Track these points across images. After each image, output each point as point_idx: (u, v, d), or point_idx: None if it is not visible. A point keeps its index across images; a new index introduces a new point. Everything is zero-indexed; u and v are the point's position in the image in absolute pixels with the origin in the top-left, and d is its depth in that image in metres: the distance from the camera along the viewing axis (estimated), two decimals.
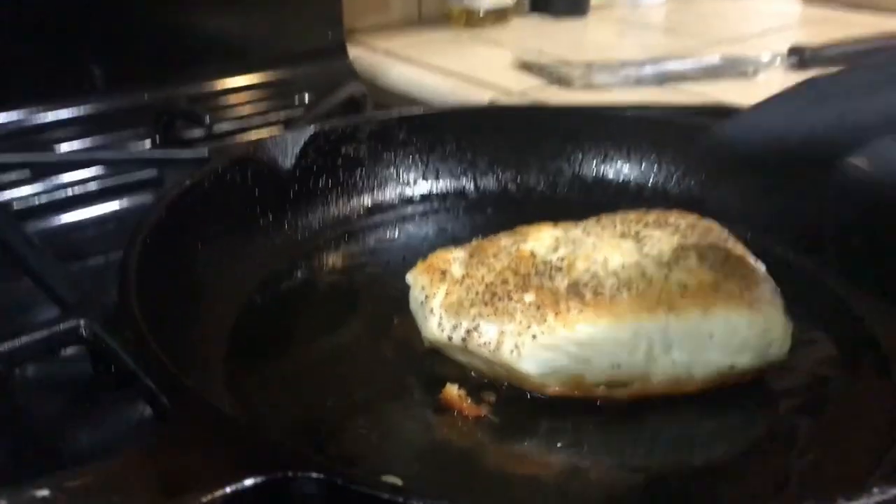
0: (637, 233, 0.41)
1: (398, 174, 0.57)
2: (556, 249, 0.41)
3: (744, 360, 0.39)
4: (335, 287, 0.49)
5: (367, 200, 0.56)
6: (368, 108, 0.81)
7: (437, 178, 0.58)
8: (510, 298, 0.38)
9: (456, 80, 0.91)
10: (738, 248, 0.42)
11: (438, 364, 0.41)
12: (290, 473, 0.26)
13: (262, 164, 0.51)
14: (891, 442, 0.36)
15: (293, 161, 0.52)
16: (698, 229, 0.42)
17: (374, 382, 0.40)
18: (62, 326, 0.44)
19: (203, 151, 0.66)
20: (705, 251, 0.40)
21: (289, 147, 0.52)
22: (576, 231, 0.42)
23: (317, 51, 0.91)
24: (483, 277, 0.40)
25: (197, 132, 0.76)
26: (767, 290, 0.40)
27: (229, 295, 0.46)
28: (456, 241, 0.54)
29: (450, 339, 0.39)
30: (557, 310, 0.37)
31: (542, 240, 0.41)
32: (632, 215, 0.44)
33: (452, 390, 0.38)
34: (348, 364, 0.41)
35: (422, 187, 0.58)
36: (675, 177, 0.57)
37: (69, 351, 0.46)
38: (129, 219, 0.65)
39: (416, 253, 0.52)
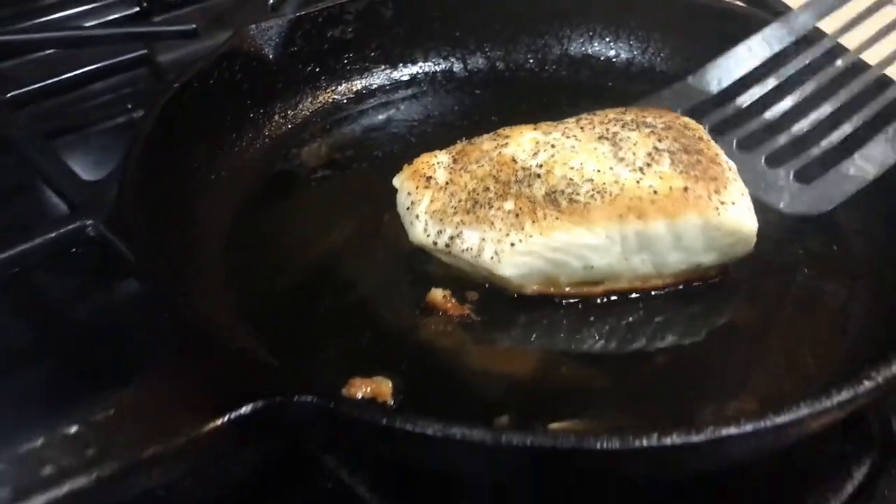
0: (615, 135, 0.42)
1: (386, 55, 0.57)
2: (535, 154, 0.42)
3: (709, 258, 0.41)
4: (326, 182, 0.50)
5: (355, 85, 0.56)
6: None
7: (425, 58, 0.58)
8: (491, 206, 0.41)
9: None
10: (711, 149, 0.43)
11: (425, 263, 0.43)
12: (285, 398, 0.29)
13: (248, 55, 0.51)
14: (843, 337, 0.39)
15: (280, 49, 0.52)
16: (674, 130, 0.43)
17: (364, 285, 0.42)
18: (69, 228, 0.46)
19: (190, 25, 0.66)
20: (678, 154, 0.41)
21: (274, 35, 0.52)
22: (556, 133, 0.43)
23: None
24: (466, 184, 0.42)
25: None
26: (735, 191, 0.41)
27: (225, 191, 0.48)
28: (445, 125, 0.56)
29: (434, 244, 0.42)
30: (534, 218, 0.40)
31: (522, 144, 0.43)
32: (611, 114, 0.45)
33: (437, 294, 0.41)
34: (340, 266, 0.44)
35: (410, 69, 0.58)
36: (661, 55, 0.57)
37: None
38: (126, 88, 0.66)
39: (404, 143, 0.54)
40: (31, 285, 0.50)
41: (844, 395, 0.29)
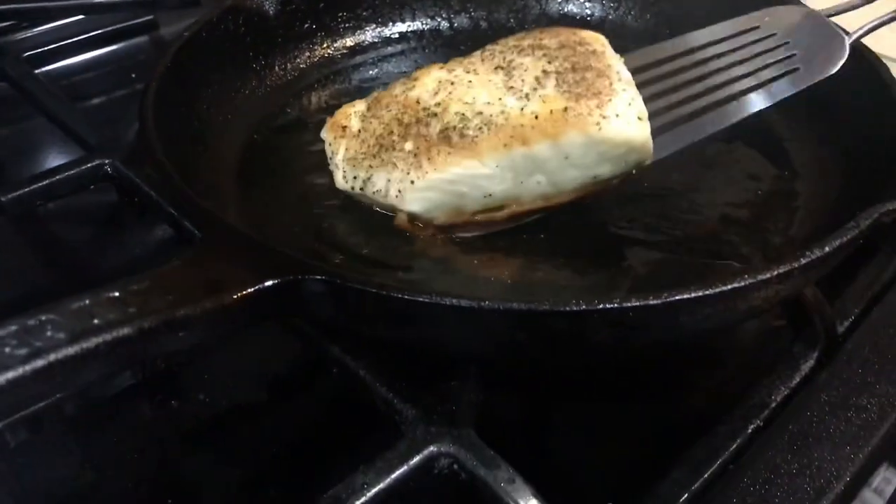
0: (510, 63, 0.45)
1: (377, 14, 0.61)
2: (436, 94, 0.45)
3: (605, 170, 0.43)
4: (321, 126, 0.55)
5: (348, 41, 0.61)
6: None
7: (413, 17, 0.62)
8: (394, 149, 0.44)
9: None
10: (602, 63, 0.44)
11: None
12: (300, 276, 0.33)
13: (250, 10, 0.55)
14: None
15: (278, 7, 0.56)
16: (567, 49, 0.44)
17: (354, 210, 0.47)
18: (89, 166, 0.50)
19: None
20: (565, 74, 0.43)
21: None
22: (459, 70, 0.46)
23: None
24: (374, 130, 0.45)
25: None
26: (621, 103, 0.42)
27: (232, 134, 0.52)
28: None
29: (352, 188, 0.46)
30: (429, 156, 0.43)
31: (426, 84, 0.45)
32: (511, 41, 0.47)
33: (402, 217, 0.45)
34: (333, 195, 0.48)
35: (399, 27, 0.62)
36: (632, 12, 0.62)
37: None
38: (131, 60, 0.69)
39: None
40: (50, 230, 0.55)
41: (782, 268, 0.34)
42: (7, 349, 0.27)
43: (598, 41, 0.45)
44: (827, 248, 0.34)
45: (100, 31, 0.67)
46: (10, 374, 0.26)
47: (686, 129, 0.46)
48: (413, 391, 0.37)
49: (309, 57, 0.59)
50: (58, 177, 0.49)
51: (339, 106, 0.57)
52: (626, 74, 0.44)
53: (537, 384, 0.42)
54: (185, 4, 0.69)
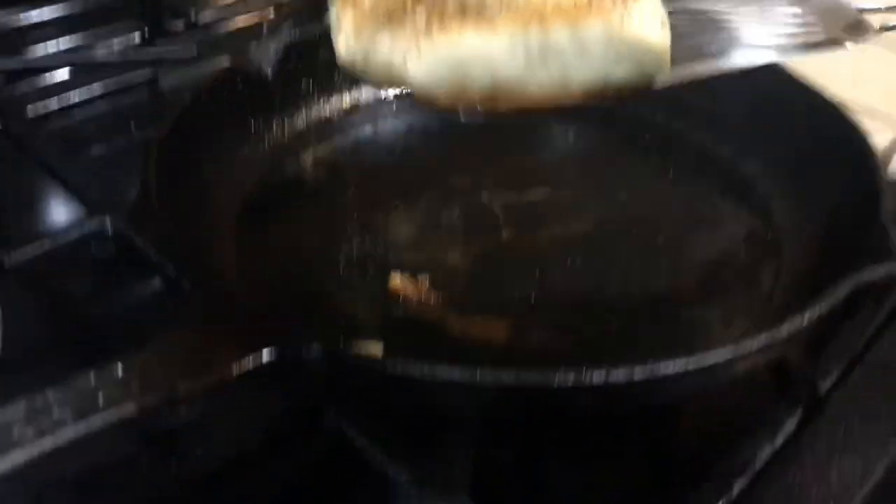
0: None
1: None
2: None
3: (619, 72, 0.41)
4: (319, 186, 0.56)
5: (345, 100, 0.62)
6: None
7: None
8: (404, 17, 0.42)
9: None
10: None
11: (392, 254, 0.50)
12: (300, 347, 0.34)
13: (250, 72, 0.57)
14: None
15: (276, 67, 0.58)
16: None
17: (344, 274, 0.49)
18: (90, 225, 0.52)
19: (192, 49, 0.72)
20: None
21: (272, 54, 0.58)
22: None
23: None
24: (389, 3, 0.43)
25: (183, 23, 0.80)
26: (648, 6, 0.41)
27: (231, 194, 0.53)
28: (427, 135, 0.61)
29: (355, 61, 0.44)
30: (441, 25, 0.41)
31: None
32: None
33: (395, 279, 0.46)
34: (325, 256, 0.50)
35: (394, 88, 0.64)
36: None
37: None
38: (129, 108, 0.71)
39: (389, 152, 0.60)
40: (48, 284, 0.56)
41: (763, 340, 0.35)
42: (16, 429, 0.28)
43: None
44: (806, 320, 0.36)
45: (101, 92, 0.68)
46: (20, 455, 0.28)
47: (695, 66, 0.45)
48: (406, 453, 0.38)
49: (306, 116, 0.60)
50: (60, 237, 0.51)
51: (335, 163, 0.58)
52: None
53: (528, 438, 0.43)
54: (184, 61, 0.71)
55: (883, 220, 0.41)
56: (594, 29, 0.40)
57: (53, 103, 0.66)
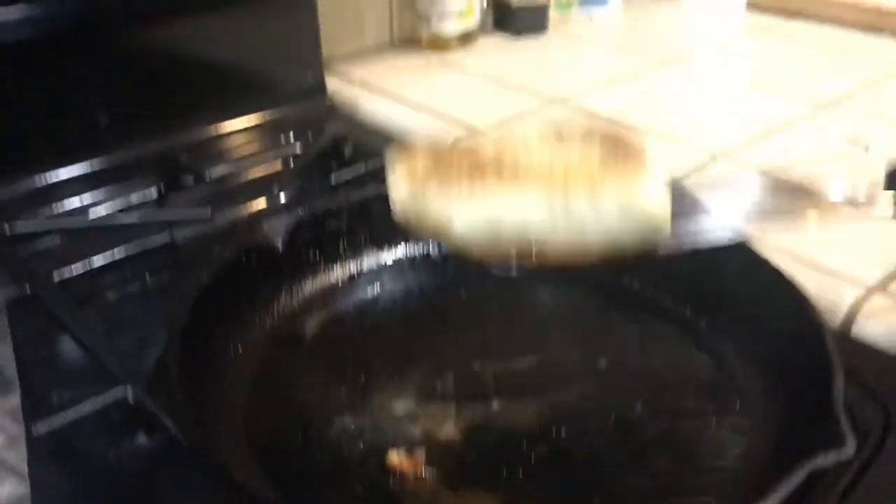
0: (563, 136, 0.51)
1: (374, 242, 0.68)
2: (496, 150, 0.51)
3: (627, 236, 0.49)
4: (325, 350, 0.61)
5: (350, 268, 0.68)
6: (349, 149, 0.92)
7: (406, 243, 0.69)
8: (451, 176, 0.50)
9: (426, 113, 1.02)
10: (638, 153, 0.50)
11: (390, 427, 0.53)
12: None
13: (262, 248, 0.62)
14: None
15: (287, 241, 0.64)
16: (611, 136, 0.51)
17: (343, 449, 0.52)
18: (112, 395, 0.56)
19: (206, 212, 0.78)
20: (608, 150, 0.50)
21: (283, 230, 0.64)
22: (517, 138, 0.52)
23: (300, 92, 1.02)
24: (439, 167, 0.51)
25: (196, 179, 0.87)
26: (652, 183, 0.49)
27: (244, 360, 0.58)
28: (424, 297, 0.67)
29: (408, 211, 0.51)
30: (482, 183, 0.48)
31: (485, 143, 0.52)
32: (566, 128, 0.53)
33: (393, 456, 0.50)
34: (332, 423, 0.53)
35: (394, 253, 0.69)
36: None
37: None
38: (144, 261, 0.75)
39: (390, 315, 0.65)
40: (70, 447, 0.59)
41: None
42: None
43: (635, 141, 0.52)
44: None
45: (123, 256, 0.73)
46: None
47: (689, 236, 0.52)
48: None
49: (312, 283, 0.66)
50: (85, 406, 0.55)
51: (337, 326, 0.63)
52: (660, 170, 0.50)
53: None
54: (199, 222, 0.77)
55: (835, 408, 0.45)
56: (609, 199, 0.48)
57: (78, 268, 0.71)
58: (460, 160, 0.51)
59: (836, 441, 0.44)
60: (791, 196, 0.58)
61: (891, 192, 0.56)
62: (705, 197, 0.56)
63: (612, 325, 0.64)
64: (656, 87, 1.09)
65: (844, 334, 0.65)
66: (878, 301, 0.67)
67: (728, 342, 0.59)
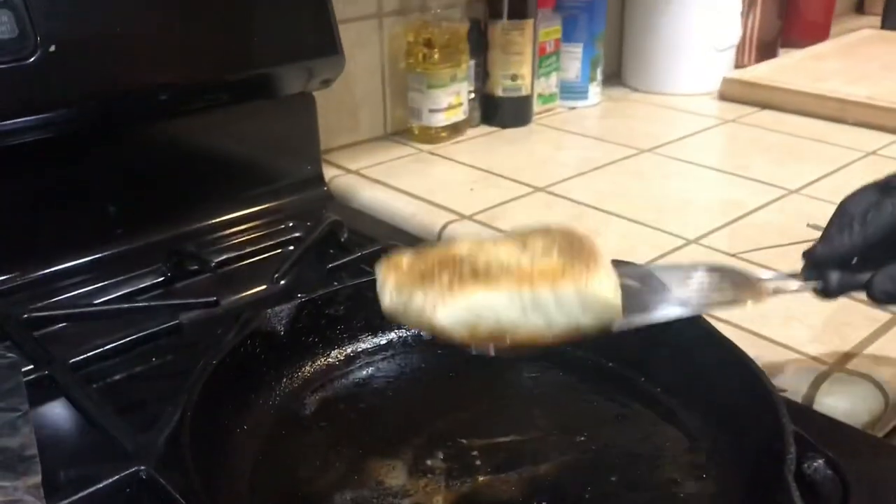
0: (525, 239, 0.58)
1: (369, 326, 0.74)
2: (469, 252, 0.58)
3: (586, 321, 0.55)
4: (323, 429, 0.65)
5: (345, 350, 0.73)
6: (345, 235, 0.98)
7: (398, 327, 0.75)
8: (433, 280, 0.56)
9: (418, 202, 1.09)
10: (593, 249, 0.57)
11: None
12: None
13: (265, 333, 0.67)
14: None
15: (289, 326, 0.69)
16: (567, 236, 0.58)
17: None
18: (125, 474, 0.60)
19: (213, 300, 0.83)
20: (566, 248, 0.57)
21: (284, 316, 0.69)
22: (486, 242, 0.59)
23: (299, 183, 1.09)
24: (418, 267, 0.57)
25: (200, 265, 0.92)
26: (605, 274, 0.55)
27: (248, 439, 0.62)
28: (415, 378, 0.71)
29: (396, 308, 0.57)
30: (461, 285, 0.55)
31: (461, 247, 0.59)
32: (529, 229, 0.60)
33: None
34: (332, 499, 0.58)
35: (387, 336, 0.74)
36: None
37: None
38: (152, 344, 0.80)
39: (383, 395, 0.70)
40: None
41: None
42: None
43: (588, 237, 0.59)
44: None
45: (132, 339, 0.78)
46: None
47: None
48: None
49: (311, 366, 0.71)
50: (100, 485, 0.59)
51: (336, 409, 0.68)
52: (608, 261, 0.58)
53: None
54: (206, 307, 0.82)
55: (786, 480, 0.50)
56: (569, 289, 0.55)
57: (90, 350, 0.75)
58: (439, 260, 0.58)
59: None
60: (738, 280, 0.64)
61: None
62: (669, 278, 0.62)
63: (589, 403, 0.69)
64: (632, 175, 1.16)
65: (807, 408, 0.70)
66: (838, 377, 0.72)
67: (696, 417, 0.64)
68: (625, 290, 0.57)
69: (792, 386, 0.71)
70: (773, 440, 0.55)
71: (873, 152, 1.22)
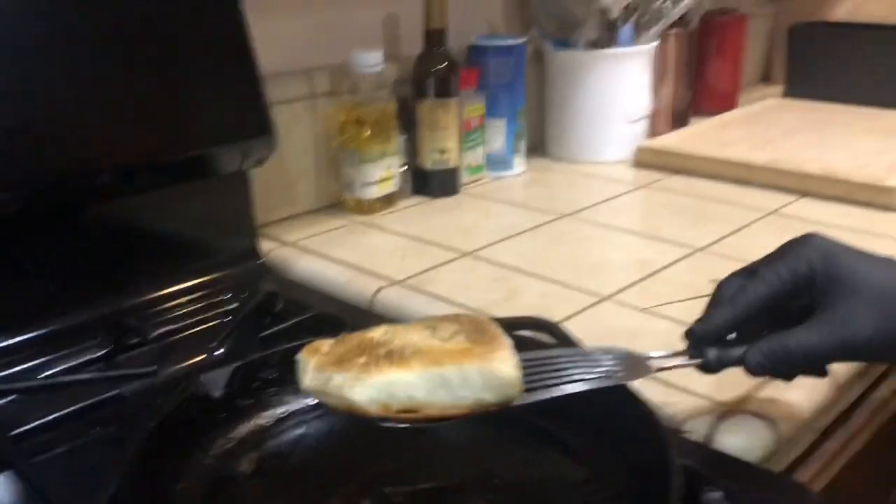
0: (435, 325, 0.65)
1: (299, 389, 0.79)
2: (385, 334, 0.64)
3: (488, 396, 0.61)
4: (257, 486, 0.69)
5: (278, 411, 0.77)
6: (280, 305, 1.03)
7: None
8: (351, 362, 0.62)
9: (352, 270, 1.14)
10: (496, 333, 0.64)
11: None
12: None
13: (200, 397, 0.72)
14: None
15: (223, 390, 0.73)
16: (473, 322, 0.65)
17: None
18: None
19: (153, 370, 0.87)
20: (472, 333, 0.64)
21: (220, 380, 0.74)
22: (400, 326, 0.66)
23: (235, 257, 1.14)
24: (337, 351, 0.63)
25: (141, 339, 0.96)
26: (506, 354, 0.62)
27: (188, 496, 0.66)
28: (343, 435, 0.76)
29: (314, 386, 0.63)
30: (376, 366, 0.61)
31: (377, 331, 0.66)
32: (439, 317, 0.67)
33: None
34: None
35: None
36: None
37: None
38: (101, 431, 0.83)
39: (314, 451, 0.74)
40: None
41: None
42: None
43: (492, 323, 0.67)
44: None
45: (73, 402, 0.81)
46: None
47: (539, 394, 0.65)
48: None
49: (245, 427, 0.75)
50: None
51: (269, 467, 0.72)
52: (510, 342, 0.64)
53: None
54: (146, 377, 0.86)
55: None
56: (472, 369, 0.61)
57: (33, 423, 0.79)
58: (357, 344, 0.65)
59: None
60: (630, 360, 0.71)
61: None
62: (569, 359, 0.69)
63: (503, 449, 0.75)
64: (553, 238, 1.24)
65: (706, 446, 0.77)
66: (735, 417, 0.79)
67: (599, 455, 0.70)
68: (528, 370, 0.64)
69: (693, 427, 0.78)
70: (663, 472, 0.61)
71: (775, 211, 1.32)
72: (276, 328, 0.95)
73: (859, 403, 1.01)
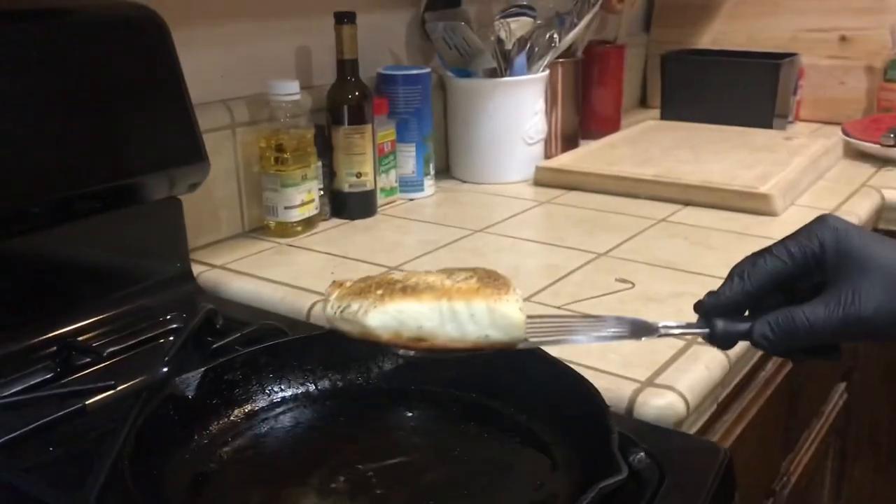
0: (452, 272, 0.70)
1: (262, 387, 0.85)
2: (404, 277, 0.70)
3: (494, 334, 0.67)
4: (230, 479, 0.75)
5: (246, 408, 0.83)
6: (220, 322, 1.08)
7: (289, 385, 0.86)
8: (369, 293, 0.68)
9: (285, 288, 1.20)
10: (508, 281, 0.69)
11: None
12: None
13: (177, 396, 0.77)
14: None
15: (196, 391, 0.79)
16: (488, 271, 0.70)
17: None
18: None
19: (111, 382, 0.91)
20: (483, 276, 0.69)
21: (192, 381, 0.79)
22: (420, 271, 0.72)
23: (171, 280, 1.18)
24: (360, 286, 0.69)
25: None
26: (513, 296, 0.67)
27: (165, 489, 0.71)
28: (310, 429, 0.83)
29: (333, 313, 0.69)
30: (391, 297, 0.67)
31: (398, 274, 0.71)
32: (455, 268, 0.72)
33: None
34: None
35: (281, 394, 0.85)
36: None
37: None
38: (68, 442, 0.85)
39: (282, 445, 0.81)
40: None
41: None
42: None
43: (502, 276, 0.71)
44: None
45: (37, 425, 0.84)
46: None
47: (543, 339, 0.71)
48: None
49: (216, 424, 0.80)
50: None
51: (241, 460, 0.78)
52: (519, 292, 0.69)
53: None
54: (104, 391, 0.89)
55: (613, 454, 0.66)
56: (480, 305, 0.67)
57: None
58: (377, 282, 0.70)
59: (615, 471, 0.64)
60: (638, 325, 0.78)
61: None
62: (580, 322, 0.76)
63: (459, 428, 0.84)
64: (468, 251, 1.34)
65: (628, 416, 0.87)
66: (649, 391, 0.90)
67: (546, 431, 0.80)
68: (538, 324, 0.69)
69: (614, 402, 0.89)
70: (604, 436, 0.71)
71: (663, 219, 1.46)
72: (221, 342, 1.00)
73: (753, 378, 1.15)
